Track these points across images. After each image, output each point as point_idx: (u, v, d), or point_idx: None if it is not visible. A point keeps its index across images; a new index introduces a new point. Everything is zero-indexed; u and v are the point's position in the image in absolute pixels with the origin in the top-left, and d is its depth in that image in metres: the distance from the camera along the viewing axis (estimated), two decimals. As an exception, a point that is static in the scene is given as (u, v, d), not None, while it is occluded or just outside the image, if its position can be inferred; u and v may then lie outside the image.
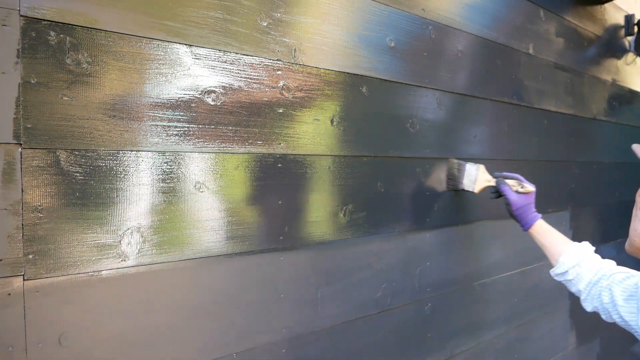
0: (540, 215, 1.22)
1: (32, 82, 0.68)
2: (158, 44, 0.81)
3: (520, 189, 1.22)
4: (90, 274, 0.75)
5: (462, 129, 1.45)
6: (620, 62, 2.37)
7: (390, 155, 1.22)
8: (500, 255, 1.63)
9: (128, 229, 0.79)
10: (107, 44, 0.75)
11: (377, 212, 1.19)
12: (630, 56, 2.45)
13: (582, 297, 1.11)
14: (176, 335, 0.85)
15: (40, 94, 0.69)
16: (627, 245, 0.93)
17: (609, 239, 2.25)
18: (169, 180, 0.83)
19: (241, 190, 0.93)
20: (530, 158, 1.75)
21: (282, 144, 0.99)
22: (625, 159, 2.41)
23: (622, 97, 2.41)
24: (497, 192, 1.27)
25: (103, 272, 0.76)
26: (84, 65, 0.73)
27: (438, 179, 1.37)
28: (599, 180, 2.22)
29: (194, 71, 0.86)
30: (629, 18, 2.38)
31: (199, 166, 0.87)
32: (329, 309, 1.10)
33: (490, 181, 1.28)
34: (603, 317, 1.06)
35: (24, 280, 0.69)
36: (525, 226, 1.22)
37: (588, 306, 1.09)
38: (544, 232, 1.20)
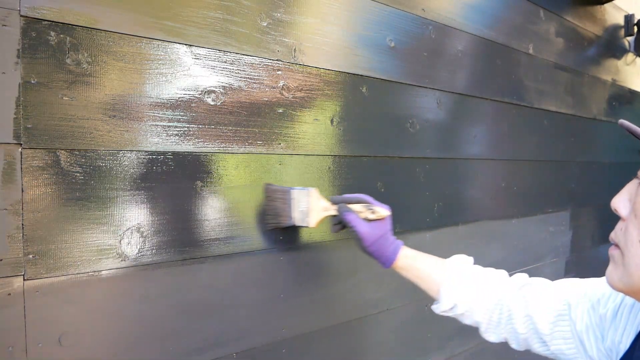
0: (401, 242, 0.93)
1: (32, 82, 0.68)
2: (158, 44, 0.81)
3: (370, 215, 0.90)
4: (90, 274, 0.75)
5: (462, 129, 1.45)
6: (620, 62, 2.37)
7: (390, 155, 1.22)
8: (500, 255, 1.63)
9: (128, 229, 0.79)
10: (107, 44, 0.75)
11: (377, 212, 1.19)
12: (630, 56, 2.45)
13: (481, 329, 0.88)
14: (176, 335, 0.85)
15: (40, 94, 0.69)
16: (618, 281, 0.58)
17: (608, 239, 2.25)
18: (169, 180, 0.83)
19: (241, 190, 0.93)
20: (530, 158, 1.75)
21: (282, 144, 0.99)
22: (625, 159, 2.41)
23: (622, 97, 2.41)
24: (340, 223, 0.94)
25: (103, 272, 0.76)
26: (84, 65, 0.73)
27: (438, 179, 1.37)
28: (599, 180, 2.22)
29: (194, 71, 0.86)
30: (629, 18, 2.38)
31: (199, 166, 0.87)
32: (329, 309, 1.10)
33: (329, 209, 0.93)
34: (514, 345, 0.86)
35: (24, 280, 0.69)
36: (387, 263, 0.91)
37: (491, 336, 0.88)
38: (413, 264, 0.92)
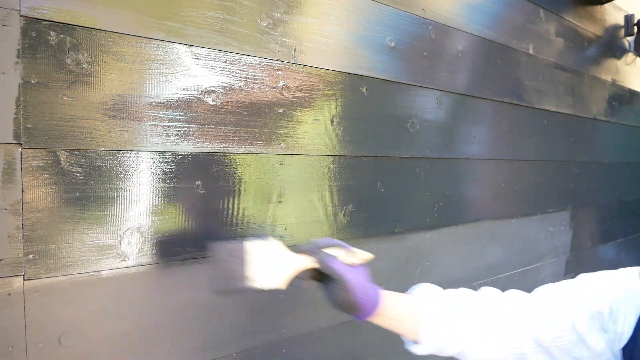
0: (378, 286, 0.80)
1: (32, 82, 0.68)
2: (158, 44, 0.81)
3: (352, 259, 0.77)
4: (90, 274, 0.75)
5: (462, 129, 1.45)
6: (620, 62, 2.37)
7: (390, 155, 1.22)
8: (500, 255, 1.63)
9: (128, 229, 0.79)
10: (107, 44, 0.75)
11: (377, 212, 1.19)
12: (630, 56, 2.45)
13: None
14: (176, 335, 0.85)
15: (40, 94, 0.69)
16: None
17: (608, 239, 2.25)
18: (169, 180, 0.83)
19: (241, 190, 0.93)
20: (530, 158, 1.75)
21: (282, 144, 0.99)
22: (625, 159, 2.41)
23: (622, 97, 2.41)
24: (310, 278, 0.77)
25: (103, 272, 0.76)
26: (84, 65, 0.73)
27: (438, 179, 1.37)
28: (599, 180, 2.22)
29: (194, 71, 0.86)
30: (629, 18, 2.38)
31: (199, 166, 0.87)
32: (329, 309, 1.09)
33: (304, 262, 0.75)
34: None
35: (24, 280, 0.69)
36: (370, 311, 0.77)
37: None
38: (394, 305, 0.79)
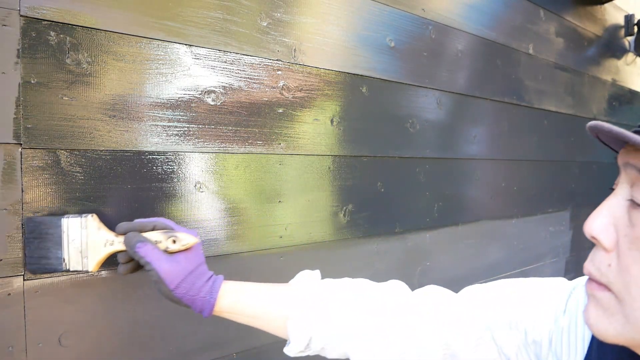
0: (221, 276, 0.70)
1: (32, 82, 0.68)
2: (158, 44, 0.81)
3: (172, 245, 0.66)
4: (90, 274, 0.75)
5: (462, 129, 1.45)
6: (620, 62, 2.37)
7: (390, 155, 1.22)
8: (500, 255, 1.63)
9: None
10: (107, 44, 0.75)
11: (377, 212, 1.19)
12: (630, 56, 2.45)
13: None
14: (176, 335, 0.85)
15: (40, 94, 0.69)
16: (616, 335, 0.41)
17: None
18: (169, 180, 0.83)
19: (241, 190, 0.93)
20: (530, 158, 1.75)
21: (282, 144, 0.99)
22: (625, 159, 2.41)
23: (622, 97, 2.41)
24: (132, 261, 0.69)
25: (103, 272, 0.76)
26: (84, 65, 0.73)
27: (438, 179, 1.37)
28: (599, 180, 2.22)
29: (194, 71, 0.86)
30: (629, 18, 2.38)
31: (199, 166, 0.87)
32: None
33: (114, 242, 0.69)
34: None
35: (24, 280, 0.69)
36: (206, 308, 0.66)
37: None
38: (243, 300, 0.67)
